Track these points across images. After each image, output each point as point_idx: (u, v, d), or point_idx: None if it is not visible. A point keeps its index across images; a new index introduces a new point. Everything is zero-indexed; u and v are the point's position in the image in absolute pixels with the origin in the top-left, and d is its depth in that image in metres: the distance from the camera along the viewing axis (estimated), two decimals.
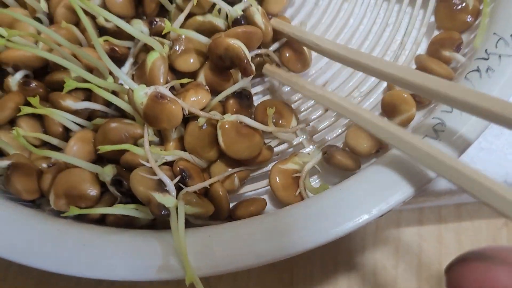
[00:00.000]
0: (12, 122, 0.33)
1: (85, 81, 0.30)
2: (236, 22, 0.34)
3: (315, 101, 0.34)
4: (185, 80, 0.32)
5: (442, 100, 0.27)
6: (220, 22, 0.35)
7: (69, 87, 0.28)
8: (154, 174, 0.29)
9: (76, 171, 0.31)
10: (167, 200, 0.28)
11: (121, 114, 0.33)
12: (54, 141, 0.32)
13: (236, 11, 0.34)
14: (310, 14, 0.39)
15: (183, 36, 0.33)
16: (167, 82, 0.32)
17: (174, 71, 0.34)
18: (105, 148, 0.28)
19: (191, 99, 0.32)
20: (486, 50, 0.31)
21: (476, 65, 0.31)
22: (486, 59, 0.31)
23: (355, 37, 0.38)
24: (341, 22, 0.39)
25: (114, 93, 0.32)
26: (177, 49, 0.33)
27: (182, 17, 0.33)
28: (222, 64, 0.33)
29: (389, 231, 0.41)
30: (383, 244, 0.41)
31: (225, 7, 0.34)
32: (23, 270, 0.39)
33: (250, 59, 0.31)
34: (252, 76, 0.32)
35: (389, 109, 0.34)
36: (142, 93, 0.30)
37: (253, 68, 0.32)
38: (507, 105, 0.23)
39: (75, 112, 0.33)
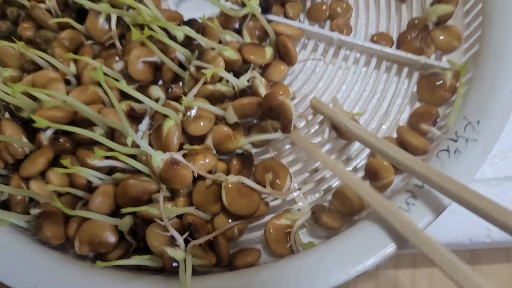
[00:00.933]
0: (42, 174, 0.38)
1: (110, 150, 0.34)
2: (243, 92, 0.39)
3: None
4: (196, 147, 0.37)
5: (415, 175, 0.32)
6: (228, 91, 0.40)
7: (98, 155, 0.33)
8: (167, 230, 0.34)
9: (98, 222, 0.35)
10: (177, 254, 0.33)
11: (138, 169, 0.38)
12: (80, 193, 0.37)
13: (243, 82, 0.39)
14: (307, 80, 0.44)
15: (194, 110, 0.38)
16: (180, 145, 0.37)
17: (186, 133, 0.39)
18: (127, 210, 0.33)
19: (200, 162, 0.37)
20: (456, 132, 0.36)
21: (447, 145, 0.36)
22: (455, 141, 0.36)
23: (346, 103, 0.43)
24: (335, 89, 0.44)
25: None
26: (190, 115, 0.38)
27: (195, 90, 0.38)
28: (269, 115, 0.38)
29: (369, 271, 0.46)
30: (364, 282, 0.47)
31: (233, 80, 0.39)
32: None
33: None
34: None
35: (371, 174, 0.39)
36: (159, 159, 0.35)
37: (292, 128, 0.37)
38: (467, 190, 0.29)
39: (98, 168, 0.37)
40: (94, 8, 0.39)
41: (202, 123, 0.39)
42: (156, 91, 0.40)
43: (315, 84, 0.44)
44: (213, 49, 0.40)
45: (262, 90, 0.39)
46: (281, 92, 0.41)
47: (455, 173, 0.34)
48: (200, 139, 0.39)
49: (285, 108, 0.36)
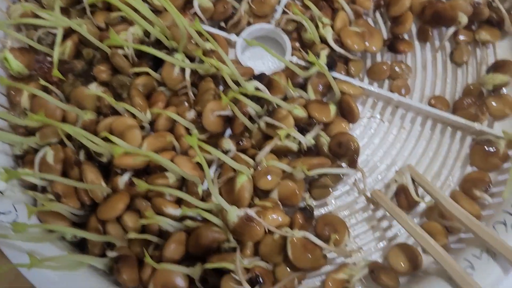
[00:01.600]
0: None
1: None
2: (309, 150, 0.42)
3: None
4: (268, 204, 0.39)
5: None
6: (294, 146, 0.42)
7: (184, 213, 0.35)
8: (240, 283, 0.36)
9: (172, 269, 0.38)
10: None
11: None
12: (154, 239, 0.39)
13: (310, 141, 0.42)
14: (364, 136, 0.46)
15: (264, 164, 0.40)
16: (251, 199, 0.40)
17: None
18: (211, 266, 0.35)
19: (270, 217, 0.39)
20: None
21: (503, 218, 0.39)
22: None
23: (400, 160, 0.46)
24: (391, 146, 0.46)
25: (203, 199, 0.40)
26: (259, 170, 0.40)
27: (268, 148, 0.40)
28: (337, 151, 0.41)
29: None
30: None
31: (302, 139, 0.41)
32: None
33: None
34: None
35: None
36: (234, 215, 0.37)
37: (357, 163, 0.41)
38: None
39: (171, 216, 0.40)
40: (171, 62, 0.41)
41: (270, 178, 0.41)
42: (228, 144, 0.42)
43: (372, 140, 0.46)
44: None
45: (326, 149, 0.42)
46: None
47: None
48: (265, 191, 0.42)
49: (353, 141, 0.41)
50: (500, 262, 0.37)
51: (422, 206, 0.44)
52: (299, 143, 0.42)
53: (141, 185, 0.33)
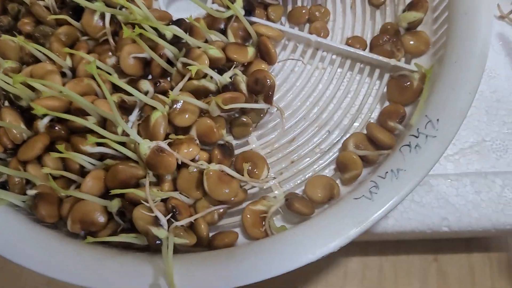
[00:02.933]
0: (38, 158, 0.41)
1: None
2: (225, 88, 0.43)
3: None
4: (181, 137, 0.40)
5: None
6: (212, 86, 0.43)
7: (91, 141, 0.36)
8: (152, 211, 0.37)
9: (89, 203, 0.39)
10: (161, 233, 0.37)
11: (127, 156, 0.41)
12: (74, 177, 0.40)
13: (225, 79, 0.43)
14: (286, 79, 0.48)
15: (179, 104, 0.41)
16: (166, 135, 0.41)
17: (172, 124, 0.42)
18: (116, 191, 0.37)
19: (184, 151, 0.40)
20: (417, 129, 0.40)
21: (409, 141, 0.40)
22: (417, 137, 0.40)
23: (322, 100, 0.47)
24: (312, 87, 0.47)
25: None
26: (176, 108, 0.41)
27: (181, 84, 0.42)
28: (254, 88, 0.43)
29: (340, 258, 0.50)
30: (335, 267, 0.50)
31: (216, 76, 0.42)
32: None
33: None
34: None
35: (342, 166, 0.43)
36: (146, 147, 0.38)
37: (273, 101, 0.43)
38: None
39: (90, 154, 0.41)
40: (90, 7, 0.42)
41: (187, 116, 0.42)
42: (145, 84, 0.43)
43: (293, 82, 0.48)
44: (199, 47, 0.43)
45: (243, 87, 0.43)
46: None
47: (414, 165, 0.38)
48: (185, 131, 0.43)
49: (269, 77, 0.42)
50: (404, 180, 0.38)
51: (341, 142, 0.45)
52: (217, 83, 0.44)
53: (39, 110, 0.34)
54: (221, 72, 0.44)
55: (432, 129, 0.40)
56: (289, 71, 0.48)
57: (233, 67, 0.44)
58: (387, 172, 0.39)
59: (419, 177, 0.38)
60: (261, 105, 0.43)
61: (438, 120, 0.40)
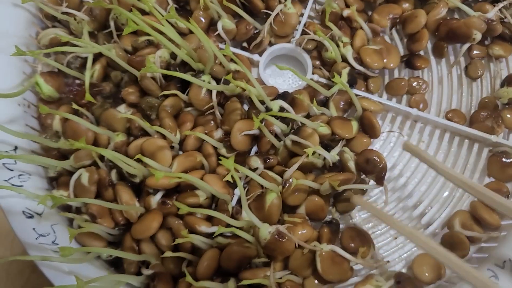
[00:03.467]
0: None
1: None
2: (334, 165, 0.43)
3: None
4: (297, 220, 0.41)
5: None
6: (319, 163, 0.44)
7: (220, 232, 0.36)
8: None
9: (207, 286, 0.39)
10: None
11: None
12: (188, 256, 0.41)
13: (334, 157, 0.43)
14: (384, 150, 0.48)
15: (291, 180, 0.42)
16: (280, 215, 0.41)
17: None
18: (245, 282, 0.37)
19: (299, 232, 0.41)
20: None
21: None
22: None
23: (420, 172, 0.47)
24: (410, 159, 0.47)
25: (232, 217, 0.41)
26: (288, 187, 0.42)
27: (296, 166, 0.42)
28: (364, 167, 0.43)
29: None
30: None
31: (327, 156, 0.42)
32: None
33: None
34: None
35: (447, 246, 0.43)
36: (266, 232, 0.39)
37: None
38: None
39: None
40: (199, 84, 0.43)
41: (297, 194, 0.42)
42: (255, 162, 0.43)
43: (391, 153, 0.48)
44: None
45: (352, 165, 0.43)
46: None
47: None
48: (292, 207, 0.43)
49: (381, 158, 0.42)
50: None
51: (442, 217, 0.46)
52: (324, 159, 0.44)
53: (182, 208, 0.34)
54: (327, 148, 0.44)
55: None
56: (386, 143, 0.48)
57: (340, 144, 0.44)
58: (505, 261, 0.39)
59: None
60: (373, 186, 0.43)
61: None
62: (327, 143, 0.45)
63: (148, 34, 0.41)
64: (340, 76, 0.45)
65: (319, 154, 0.44)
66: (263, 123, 0.42)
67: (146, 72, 0.39)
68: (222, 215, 0.38)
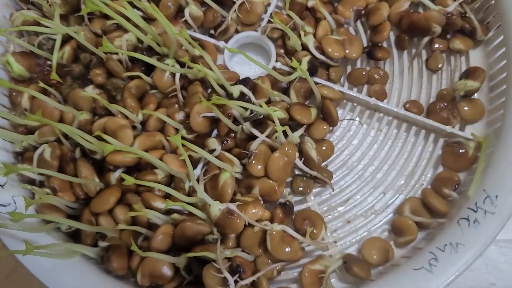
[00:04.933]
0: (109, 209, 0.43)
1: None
2: None
3: None
4: (248, 199, 0.42)
5: None
6: (279, 143, 0.45)
7: (168, 205, 0.38)
8: (221, 272, 0.39)
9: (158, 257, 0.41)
10: None
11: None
12: (143, 230, 0.42)
13: (296, 139, 0.45)
14: (343, 137, 0.49)
15: (256, 151, 0.43)
16: (233, 195, 0.43)
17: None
18: (191, 255, 0.38)
19: (251, 211, 0.42)
20: (476, 203, 0.42)
21: (467, 214, 0.41)
22: (475, 211, 0.41)
23: (377, 160, 0.49)
24: (368, 147, 0.49)
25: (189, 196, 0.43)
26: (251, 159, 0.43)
27: (262, 136, 0.43)
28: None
29: None
30: None
31: (290, 135, 0.44)
32: None
33: None
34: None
35: (397, 230, 0.45)
36: (216, 209, 0.40)
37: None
38: None
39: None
40: (162, 67, 0.44)
41: (259, 167, 0.44)
42: (213, 143, 0.45)
43: (350, 141, 0.49)
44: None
45: (314, 154, 0.45)
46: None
47: (473, 241, 0.40)
48: (247, 188, 0.45)
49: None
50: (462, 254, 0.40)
51: (395, 203, 0.47)
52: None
53: (129, 180, 0.36)
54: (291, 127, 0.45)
55: (491, 205, 0.41)
56: (346, 130, 0.50)
57: (302, 128, 0.46)
58: (446, 245, 0.40)
59: (478, 252, 0.40)
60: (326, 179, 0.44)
61: (496, 196, 0.41)
62: (291, 126, 0.46)
63: None
64: (300, 64, 0.47)
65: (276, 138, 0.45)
66: (223, 108, 0.44)
67: (105, 50, 0.40)
68: (175, 191, 0.40)
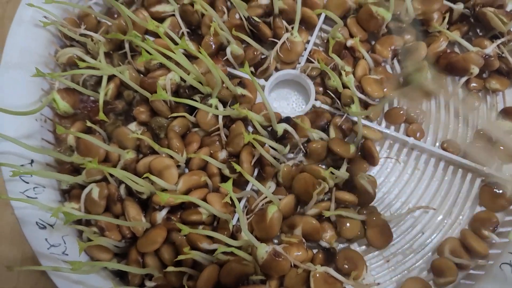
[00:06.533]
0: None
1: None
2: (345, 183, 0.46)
3: None
4: (293, 240, 0.43)
5: None
6: (331, 183, 0.46)
7: (220, 251, 0.39)
8: None
9: None
10: None
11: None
12: (189, 271, 0.43)
13: (345, 173, 0.46)
14: (380, 175, 0.50)
15: None
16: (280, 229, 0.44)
17: None
18: None
19: (295, 254, 0.43)
20: None
21: (509, 259, 0.42)
22: None
23: (415, 198, 0.49)
24: (405, 184, 0.50)
25: (233, 234, 0.44)
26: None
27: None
28: None
29: None
30: None
31: (338, 173, 0.45)
32: None
33: None
34: None
35: (437, 271, 0.46)
36: (263, 251, 0.41)
37: None
38: None
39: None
40: (206, 110, 0.45)
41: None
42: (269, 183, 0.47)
43: (388, 179, 0.50)
44: None
45: (369, 188, 0.46)
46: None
47: None
48: (290, 227, 0.46)
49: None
50: None
51: (433, 242, 0.48)
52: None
53: (185, 230, 0.37)
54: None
55: None
56: (384, 168, 0.50)
57: (345, 163, 0.47)
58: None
59: None
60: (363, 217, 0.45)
61: None
62: (332, 163, 0.47)
63: None
64: (353, 103, 0.47)
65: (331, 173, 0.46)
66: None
67: (156, 98, 0.41)
68: (221, 236, 0.41)
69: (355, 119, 0.49)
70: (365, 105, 0.51)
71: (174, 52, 0.43)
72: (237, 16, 0.52)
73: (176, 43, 0.43)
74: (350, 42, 0.51)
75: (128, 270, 0.41)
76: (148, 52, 0.40)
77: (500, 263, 0.42)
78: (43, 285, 0.57)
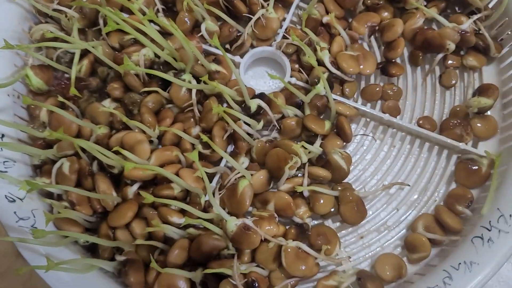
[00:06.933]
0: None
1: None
2: (319, 158, 0.46)
3: None
4: (264, 214, 0.43)
5: None
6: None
7: (186, 222, 0.39)
8: (236, 287, 0.40)
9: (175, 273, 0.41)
10: None
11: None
12: (160, 245, 0.43)
13: (318, 149, 0.45)
14: (356, 152, 0.50)
15: None
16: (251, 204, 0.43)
17: None
18: (209, 271, 0.39)
19: (266, 228, 0.43)
20: (490, 221, 0.42)
21: (481, 233, 0.42)
22: (489, 230, 0.42)
23: (390, 175, 0.49)
24: (381, 162, 0.49)
25: (205, 210, 0.44)
26: None
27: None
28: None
29: None
30: None
31: (311, 148, 0.45)
32: None
33: None
34: None
35: (410, 247, 0.45)
36: (233, 224, 0.41)
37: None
38: None
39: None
40: (178, 83, 0.45)
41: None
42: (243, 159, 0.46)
43: (363, 156, 0.50)
44: None
45: (343, 163, 0.45)
46: None
47: (487, 260, 0.40)
48: (263, 202, 0.45)
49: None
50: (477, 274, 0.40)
51: (408, 219, 0.47)
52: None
53: (148, 198, 0.37)
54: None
55: (505, 224, 0.41)
56: (359, 145, 0.50)
57: (319, 138, 0.47)
58: (460, 263, 0.41)
59: (492, 271, 0.40)
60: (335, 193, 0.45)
61: (510, 215, 0.42)
62: (307, 140, 0.47)
63: None
64: (318, 82, 0.47)
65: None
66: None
67: (124, 69, 0.41)
68: (191, 208, 0.40)
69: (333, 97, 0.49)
70: (340, 82, 0.51)
71: (144, 25, 0.42)
72: None
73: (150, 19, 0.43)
74: (326, 19, 0.51)
75: (97, 242, 0.41)
76: (116, 22, 0.40)
77: (472, 237, 0.42)
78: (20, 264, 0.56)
